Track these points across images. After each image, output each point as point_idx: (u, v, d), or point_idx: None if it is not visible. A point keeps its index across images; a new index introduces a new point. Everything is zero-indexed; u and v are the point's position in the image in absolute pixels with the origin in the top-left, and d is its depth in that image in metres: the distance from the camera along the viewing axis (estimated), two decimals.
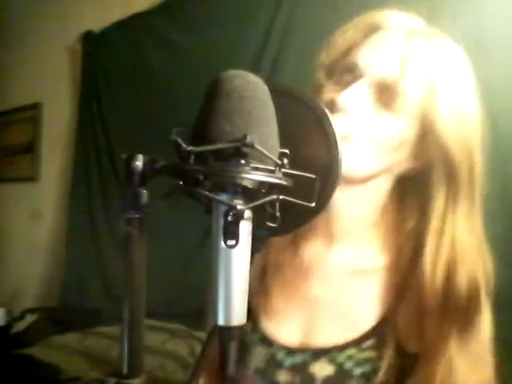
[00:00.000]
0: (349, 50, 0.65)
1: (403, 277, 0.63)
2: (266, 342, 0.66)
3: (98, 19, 2.71)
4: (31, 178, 3.13)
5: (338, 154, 0.45)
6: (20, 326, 2.36)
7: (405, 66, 0.59)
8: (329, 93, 0.62)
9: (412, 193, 0.65)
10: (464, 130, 0.60)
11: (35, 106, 3.11)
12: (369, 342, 0.61)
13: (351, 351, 0.62)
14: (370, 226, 0.66)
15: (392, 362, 0.59)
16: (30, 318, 2.39)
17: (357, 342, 0.62)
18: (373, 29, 0.64)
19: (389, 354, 0.60)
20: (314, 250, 0.68)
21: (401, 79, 0.59)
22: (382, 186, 0.65)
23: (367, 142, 0.59)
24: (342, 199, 0.60)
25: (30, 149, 3.14)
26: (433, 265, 0.59)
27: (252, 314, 0.68)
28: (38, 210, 3.05)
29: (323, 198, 0.45)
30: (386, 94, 0.59)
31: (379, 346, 0.61)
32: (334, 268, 0.67)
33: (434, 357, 0.58)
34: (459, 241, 0.59)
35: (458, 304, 0.58)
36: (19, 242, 3.18)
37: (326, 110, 0.47)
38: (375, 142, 0.59)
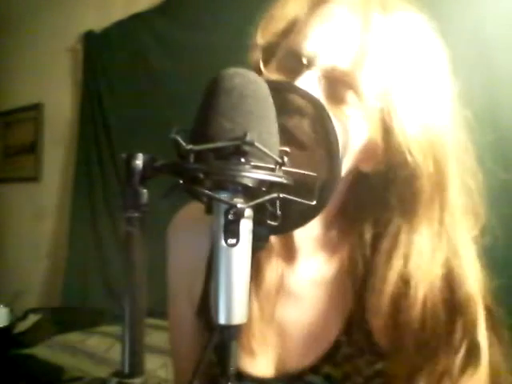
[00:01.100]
0: (290, 29, 0.55)
1: (359, 282, 0.59)
2: (237, 377, 0.62)
3: (99, 19, 2.71)
4: (33, 178, 3.13)
5: (338, 150, 0.45)
6: (22, 326, 2.36)
7: (360, 52, 0.50)
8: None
9: (367, 200, 0.58)
10: (432, 137, 0.52)
11: (37, 107, 3.12)
12: (342, 353, 0.58)
13: (327, 368, 0.58)
14: (328, 232, 0.61)
15: (373, 367, 0.56)
16: (32, 318, 2.40)
17: (329, 356, 0.59)
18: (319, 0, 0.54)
19: (367, 359, 0.57)
20: (275, 270, 0.62)
21: (355, 70, 0.50)
22: (339, 188, 0.57)
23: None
24: None
25: (32, 149, 3.15)
26: (381, 283, 0.54)
27: None
28: (40, 209, 3.05)
29: (324, 196, 0.45)
30: (337, 87, 0.51)
31: (355, 354, 0.57)
32: (297, 284, 0.62)
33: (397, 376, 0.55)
34: (415, 260, 0.53)
35: (411, 325, 0.53)
36: (22, 241, 3.18)
37: (326, 107, 0.46)
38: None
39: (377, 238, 0.57)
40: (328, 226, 0.61)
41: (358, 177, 0.57)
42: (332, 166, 0.46)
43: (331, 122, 0.46)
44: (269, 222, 0.41)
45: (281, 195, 0.39)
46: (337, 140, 0.45)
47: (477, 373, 0.55)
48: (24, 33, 3.17)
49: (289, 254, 0.62)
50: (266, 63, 0.56)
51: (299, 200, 0.42)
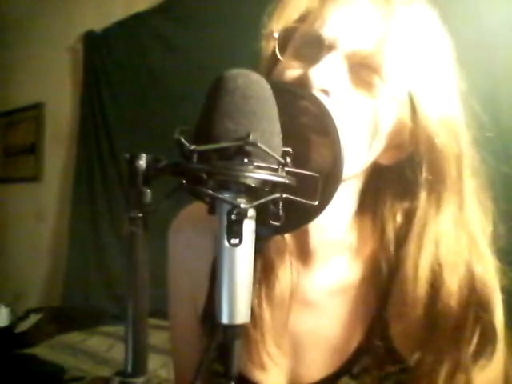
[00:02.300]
0: (306, 16, 0.54)
1: (383, 286, 0.57)
2: None
3: (99, 19, 2.71)
4: (34, 178, 3.14)
5: (340, 150, 0.45)
6: (24, 326, 2.36)
7: (382, 36, 0.49)
8: (289, 70, 0.52)
9: (390, 192, 0.57)
10: (452, 121, 0.53)
11: (37, 106, 3.12)
12: (361, 364, 0.56)
13: (344, 381, 0.56)
14: (347, 234, 0.59)
15: (395, 378, 0.55)
16: (33, 318, 2.40)
17: (347, 367, 0.57)
18: None
19: (388, 370, 0.55)
20: (289, 276, 0.59)
21: (378, 52, 0.49)
22: (357, 186, 0.57)
23: (354, 131, 0.50)
24: None
25: (33, 149, 3.15)
26: (414, 271, 0.53)
27: None
28: (41, 209, 3.06)
29: (325, 197, 0.45)
30: (361, 70, 0.50)
31: (374, 366, 0.55)
32: (315, 292, 0.60)
33: (423, 377, 0.53)
34: (444, 245, 0.53)
35: (448, 314, 0.52)
36: (23, 241, 3.18)
37: (327, 106, 0.46)
38: (362, 132, 0.50)
39: (401, 231, 0.55)
40: (347, 228, 0.58)
41: (377, 172, 0.56)
42: (334, 165, 0.45)
43: (333, 120, 0.46)
44: (271, 222, 0.41)
45: (283, 195, 0.39)
46: (339, 138, 0.45)
47: (493, 362, 0.54)
48: (24, 33, 3.18)
49: (305, 258, 0.59)
50: (281, 51, 0.54)
51: (302, 200, 0.42)
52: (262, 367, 0.59)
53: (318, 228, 0.57)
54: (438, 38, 0.54)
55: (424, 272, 0.53)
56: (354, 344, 0.57)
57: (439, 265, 0.53)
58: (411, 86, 0.51)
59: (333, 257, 0.59)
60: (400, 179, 0.55)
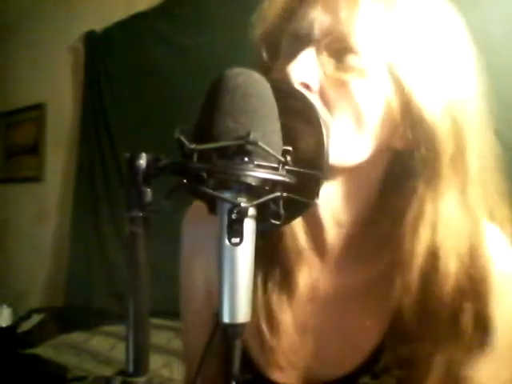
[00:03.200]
0: (288, 17, 0.54)
1: (395, 276, 0.54)
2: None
3: (100, 19, 2.72)
4: (36, 178, 3.14)
5: (324, 144, 0.44)
6: (26, 326, 2.37)
7: (351, 13, 0.49)
8: (280, 73, 0.51)
9: (399, 181, 0.54)
10: (451, 100, 0.50)
11: (39, 107, 3.12)
12: (382, 363, 0.54)
13: (364, 380, 0.55)
14: (367, 227, 0.56)
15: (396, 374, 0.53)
16: (36, 318, 2.40)
17: (367, 367, 0.55)
18: None
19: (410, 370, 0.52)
20: (308, 276, 0.58)
21: (351, 32, 0.49)
22: (373, 175, 0.55)
23: (341, 118, 0.49)
24: (328, 202, 0.52)
25: (35, 149, 3.15)
26: (410, 257, 0.51)
27: (251, 362, 0.60)
28: (43, 209, 3.06)
29: (313, 191, 0.45)
30: (338, 55, 0.49)
31: (396, 365, 0.53)
32: (334, 290, 0.58)
33: (417, 370, 0.52)
34: (442, 229, 0.50)
35: (444, 300, 0.50)
36: (25, 241, 3.19)
37: (311, 100, 0.46)
38: (355, 119, 0.49)
39: (401, 215, 0.52)
40: (365, 224, 0.56)
41: (396, 158, 0.54)
42: (320, 157, 0.45)
43: (317, 114, 0.45)
44: (272, 220, 0.41)
45: (284, 194, 0.39)
46: (322, 133, 0.45)
47: (492, 351, 0.52)
48: (25, 33, 3.18)
49: (323, 255, 0.58)
50: (272, 56, 0.55)
51: (301, 199, 0.42)
52: (278, 368, 0.58)
53: (333, 223, 0.56)
54: (430, 6, 0.52)
55: (418, 259, 0.51)
56: (374, 342, 0.56)
57: (434, 250, 0.50)
58: (391, 59, 0.49)
59: (352, 255, 0.58)
60: (407, 165, 0.52)
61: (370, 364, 0.55)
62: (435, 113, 0.49)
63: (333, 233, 0.57)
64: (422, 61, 0.50)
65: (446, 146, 0.50)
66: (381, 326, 0.56)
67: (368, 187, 0.56)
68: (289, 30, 0.54)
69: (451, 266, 0.50)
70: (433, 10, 0.53)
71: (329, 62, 0.50)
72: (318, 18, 0.50)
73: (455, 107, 0.51)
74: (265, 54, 0.55)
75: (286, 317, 0.57)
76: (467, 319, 0.51)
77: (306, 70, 0.49)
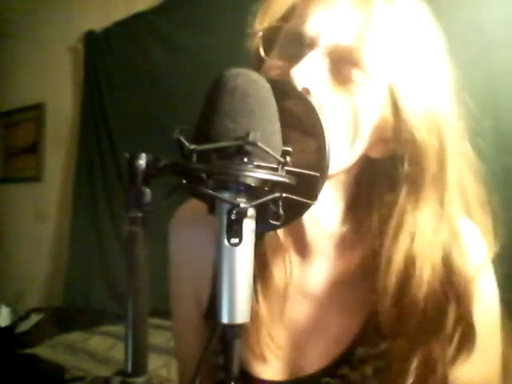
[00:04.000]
0: (289, 15, 0.55)
1: (371, 278, 0.57)
2: (249, 381, 0.60)
3: (100, 19, 2.72)
4: (35, 178, 3.14)
5: (326, 147, 0.44)
6: (25, 326, 2.36)
7: (362, 28, 0.50)
8: (274, 70, 0.52)
9: (379, 186, 0.57)
10: (435, 115, 0.52)
11: (38, 107, 3.12)
12: (359, 354, 0.57)
13: (344, 370, 0.57)
14: (342, 227, 0.59)
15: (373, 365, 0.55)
16: (34, 318, 2.40)
17: (346, 358, 0.57)
18: None
19: (392, 358, 0.54)
20: (283, 269, 0.60)
21: (359, 47, 0.49)
22: (348, 179, 0.57)
23: (337, 128, 0.50)
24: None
25: (34, 149, 3.15)
26: (387, 264, 0.54)
27: None
28: (42, 209, 3.06)
29: (315, 191, 0.45)
30: (343, 66, 0.50)
31: (372, 356, 0.56)
32: (313, 283, 0.61)
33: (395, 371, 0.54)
34: (419, 239, 0.53)
35: (416, 305, 0.53)
36: (24, 241, 3.19)
37: (311, 100, 0.46)
38: (343, 128, 0.50)
39: (383, 225, 0.55)
40: (342, 221, 0.59)
41: (367, 165, 0.56)
42: (320, 160, 0.45)
43: (317, 114, 0.45)
44: (271, 221, 0.41)
45: (283, 195, 0.39)
46: (323, 133, 0.45)
47: (472, 357, 0.55)
48: (25, 33, 3.18)
49: (302, 251, 0.61)
50: (267, 50, 0.55)
51: (301, 199, 0.42)
52: (263, 359, 0.59)
53: (312, 221, 0.58)
54: (425, 31, 0.54)
55: (396, 266, 0.53)
56: (351, 334, 0.58)
57: (411, 258, 0.53)
58: (393, 79, 0.51)
59: (329, 249, 0.60)
60: (386, 173, 0.55)
61: (349, 356, 0.57)
62: (425, 133, 0.52)
63: (312, 231, 0.59)
64: (417, 82, 0.52)
65: (431, 164, 0.53)
66: (358, 320, 0.58)
67: (342, 188, 0.58)
68: (290, 27, 0.53)
69: (425, 273, 0.53)
70: (425, 28, 0.54)
71: (332, 70, 0.50)
72: (328, 25, 0.50)
73: (440, 127, 0.53)
74: (261, 49, 0.55)
75: (261, 308, 0.59)
76: (445, 321, 0.53)
77: (309, 75, 0.49)
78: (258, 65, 0.55)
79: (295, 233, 0.60)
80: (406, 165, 0.53)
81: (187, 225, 0.66)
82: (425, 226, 0.54)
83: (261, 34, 0.55)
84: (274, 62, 0.53)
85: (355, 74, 0.50)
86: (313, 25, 0.51)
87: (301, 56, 0.50)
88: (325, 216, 0.58)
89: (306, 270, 0.61)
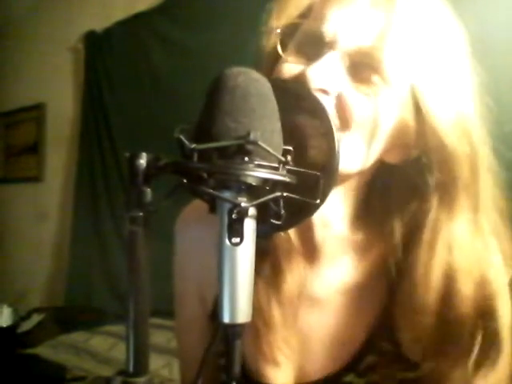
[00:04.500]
0: (307, 13, 0.53)
1: (390, 289, 0.55)
2: None
3: (101, 19, 2.72)
4: (36, 178, 3.14)
5: (335, 147, 0.44)
6: (26, 326, 2.37)
7: (383, 32, 0.48)
8: (291, 66, 0.51)
9: (398, 193, 0.55)
10: (464, 119, 0.50)
11: (39, 107, 3.12)
12: (366, 362, 0.56)
13: (350, 378, 0.56)
14: (353, 232, 0.58)
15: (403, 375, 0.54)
16: (36, 318, 2.40)
17: (353, 365, 0.56)
18: None
19: (395, 368, 0.54)
20: (297, 273, 0.59)
21: (379, 50, 0.48)
22: (361, 183, 0.56)
23: (355, 130, 0.49)
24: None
25: (35, 149, 3.16)
26: (426, 278, 0.51)
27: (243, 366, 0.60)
28: (43, 209, 3.06)
29: (322, 193, 0.45)
30: (361, 69, 0.49)
31: (380, 364, 0.55)
32: (321, 289, 0.60)
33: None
34: (457, 251, 0.51)
35: (462, 322, 0.51)
36: (25, 241, 3.19)
37: (322, 102, 0.46)
38: (360, 130, 0.49)
39: (410, 235, 0.53)
40: (353, 225, 0.58)
41: (382, 170, 0.54)
42: (330, 162, 0.45)
43: (328, 116, 0.45)
44: (272, 221, 0.41)
45: (284, 194, 0.39)
46: (333, 134, 0.45)
47: (495, 373, 0.53)
48: (26, 33, 3.18)
49: (312, 256, 0.59)
50: (283, 48, 0.54)
51: (303, 199, 0.41)
52: (274, 363, 0.59)
53: (322, 225, 0.57)
54: (447, 32, 0.52)
55: (436, 280, 0.51)
56: (359, 342, 0.57)
57: (453, 272, 0.51)
58: (415, 84, 0.50)
59: (339, 255, 0.59)
60: (408, 181, 0.53)
61: (356, 363, 0.56)
62: (455, 138, 0.50)
63: (321, 234, 0.57)
64: (442, 85, 0.50)
65: (463, 171, 0.50)
66: (366, 327, 0.57)
67: (355, 192, 0.56)
68: (308, 26, 0.52)
69: (468, 287, 0.51)
70: (448, 30, 0.53)
71: (351, 72, 0.49)
72: (347, 25, 0.49)
73: (470, 131, 0.51)
74: (279, 46, 0.54)
75: (275, 312, 0.58)
76: (478, 339, 0.51)
77: (326, 76, 0.48)
78: (272, 63, 0.54)
79: (305, 237, 0.58)
80: (435, 172, 0.51)
81: (193, 224, 0.66)
82: (462, 236, 0.51)
83: (278, 31, 0.54)
84: (289, 60, 0.52)
85: (375, 78, 0.49)
86: (331, 25, 0.49)
87: (318, 56, 0.49)
88: (334, 220, 0.57)
89: (315, 274, 0.60)
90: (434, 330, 0.52)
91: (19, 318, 2.50)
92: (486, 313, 0.51)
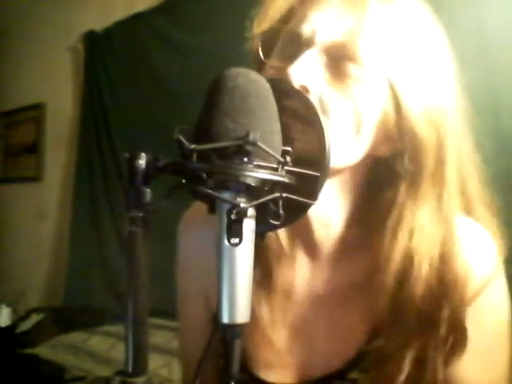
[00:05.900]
0: (287, 17, 0.55)
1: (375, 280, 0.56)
2: None
3: (100, 19, 2.72)
4: (35, 178, 3.14)
5: (326, 145, 0.44)
6: (25, 326, 2.36)
7: (356, 22, 0.50)
8: (273, 71, 0.53)
9: (387, 185, 0.56)
10: (434, 111, 0.52)
11: (38, 106, 3.12)
12: (369, 358, 0.56)
13: (354, 374, 0.57)
14: (351, 229, 0.59)
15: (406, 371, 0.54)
16: (34, 318, 2.40)
17: (357, 361, 0.57)
18: None
19: (400, 364, 0.53)
20: (286, 273, 0.59)
21: (354, 42, 0.50)
22: (355, 179, 0.57)
23: (339, 123, 0.50)
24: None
25: (34, 149, 3.15)
26: (387, 263, 0.53)
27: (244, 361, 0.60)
28: (42, 209, 3.06)
29: (315, 192, 0.45)
30: (339, 62, 0.50)
31: (383, 360, 0.55)
32: (323, 287, 0.60)
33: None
34: (417, 236, 0.53)
35: (412, 303, 0.52)
36: (24, 241, 3.19)
37: (312, 101, 0.46)
38: (347, 123, 0.51)
39: (382, 221, 0.55)
40: (351, 223, 0.58)
41: (377, 164, 0.56)
42: (321, 157, 0.45)
43: (316, 112, 0.45)
44: (271, 221, 0.41)
45: (283, 195, 0.39)
46: (323, 130, 0.45)
47: (476, 357, 0.55)
48: (25, 33, 3.18)
49: (312, 253, 0.60)
50: (267, 53, 0.56)
51: (301, 199, 0.42)
52: (267, 363, 0.59)
53: (320, 222, 0.58)
54: (424, 29, 0.54)
55: (395, 264, 0.53)
56: (362, 338, 0.58)
57: (409, 254, 0.53)
58: (391, 75, 0.51)
59: (339, 251, 0.59)
60: (392, 172, 0.55)
61: (359, 359, 0.57)
62: (424, 128, 0.52)
63: (320, 233, 0.58)
64: (416, 76, 0.52)
65: (429, 160, 0.52)
66: (368, 323, 0.57)
67: (351, 189, 0.57)
68: (288, 30, 0.54)
69: (423, 270, 0.53)
70: (425, 26, 0.54)
71: (329, 67, 0.51)
72: (323, 23, 0.51)
73: (440, 123, 0.53)
74: (261, 51, 0.56)
75: (264, 314, 0.59)
76: (439, 320, 0.53)
77: (306, 72, 0.49)
78: (258, 67, 0.56)
79: (303, 234, 0.59)
80: (406, 161, 0.53)
81: (196, 225, 0.66)
82: (423, 223, 0.53)
83: (259, 37, 0.56)
84: (273, 64, 0.54)
85: (352, 68, 0.50)
86: (309, 25, 0.52)
87: (298, 55, 0.50)
88: (333, 217, 0.58)
89: (316, 272, 0.60)
90: (389, 309, 0.54)
91: (18, 318, 2.50)
92: (446, 298, 0.53)
